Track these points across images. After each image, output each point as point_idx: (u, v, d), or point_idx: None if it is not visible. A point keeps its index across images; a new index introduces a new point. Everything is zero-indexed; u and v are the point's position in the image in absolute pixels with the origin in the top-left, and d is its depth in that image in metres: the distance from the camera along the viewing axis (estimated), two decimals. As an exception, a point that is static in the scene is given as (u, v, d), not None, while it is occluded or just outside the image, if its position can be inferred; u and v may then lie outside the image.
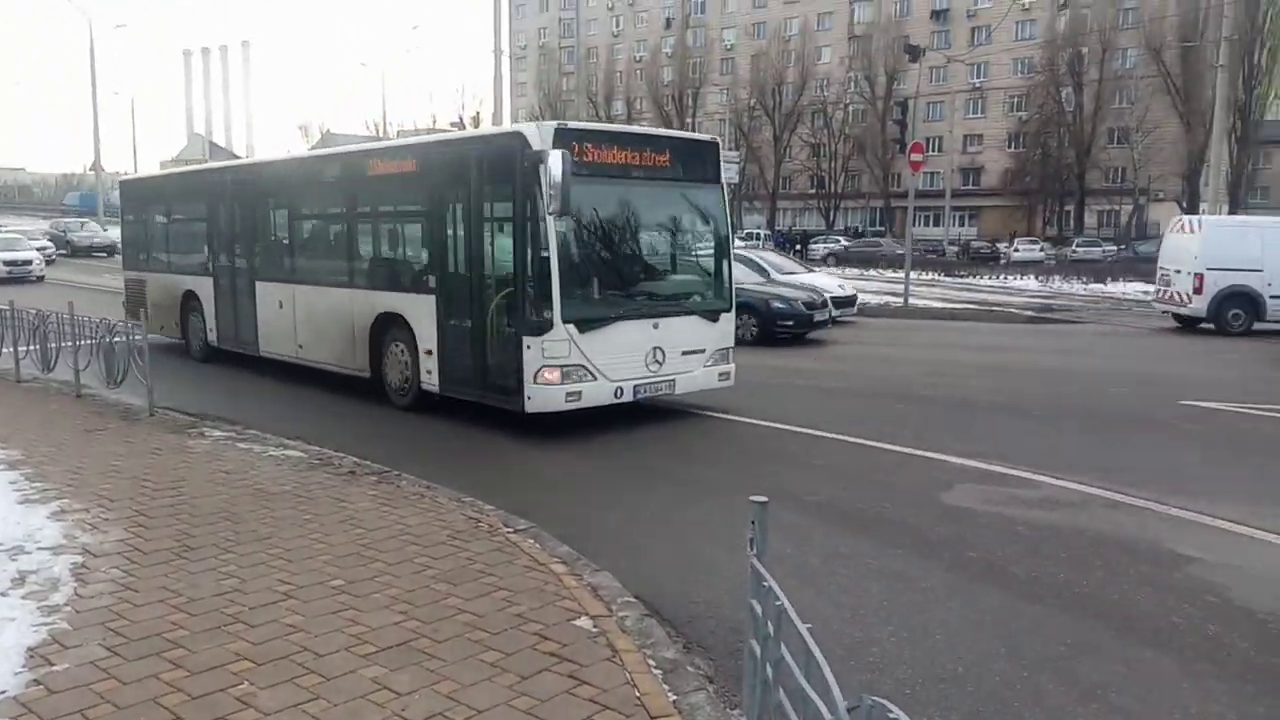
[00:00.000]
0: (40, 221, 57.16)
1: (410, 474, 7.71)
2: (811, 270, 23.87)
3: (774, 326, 16.88)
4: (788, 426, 10.01)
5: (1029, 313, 25.17)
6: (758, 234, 57.83)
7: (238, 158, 67.16)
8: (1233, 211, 42.05)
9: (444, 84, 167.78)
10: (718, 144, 10.95)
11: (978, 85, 74.60)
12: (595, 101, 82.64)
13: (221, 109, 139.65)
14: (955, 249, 58.30)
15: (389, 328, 10.96)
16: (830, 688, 2.31)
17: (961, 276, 39.09)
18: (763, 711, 3.04)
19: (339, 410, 11.28)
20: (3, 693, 4.02)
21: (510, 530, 6.31)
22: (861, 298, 22.98)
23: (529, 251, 9.04)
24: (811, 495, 7.50)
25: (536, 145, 8.81)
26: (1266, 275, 19.71)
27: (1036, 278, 36.92)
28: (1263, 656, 4.80)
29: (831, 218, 76.98)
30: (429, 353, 10.30)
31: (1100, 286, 33.57)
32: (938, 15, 77.25)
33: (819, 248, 54.63)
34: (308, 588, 5.20)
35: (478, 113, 76.82)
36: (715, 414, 10.68)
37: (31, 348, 12.61)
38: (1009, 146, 73.28)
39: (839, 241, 58.13)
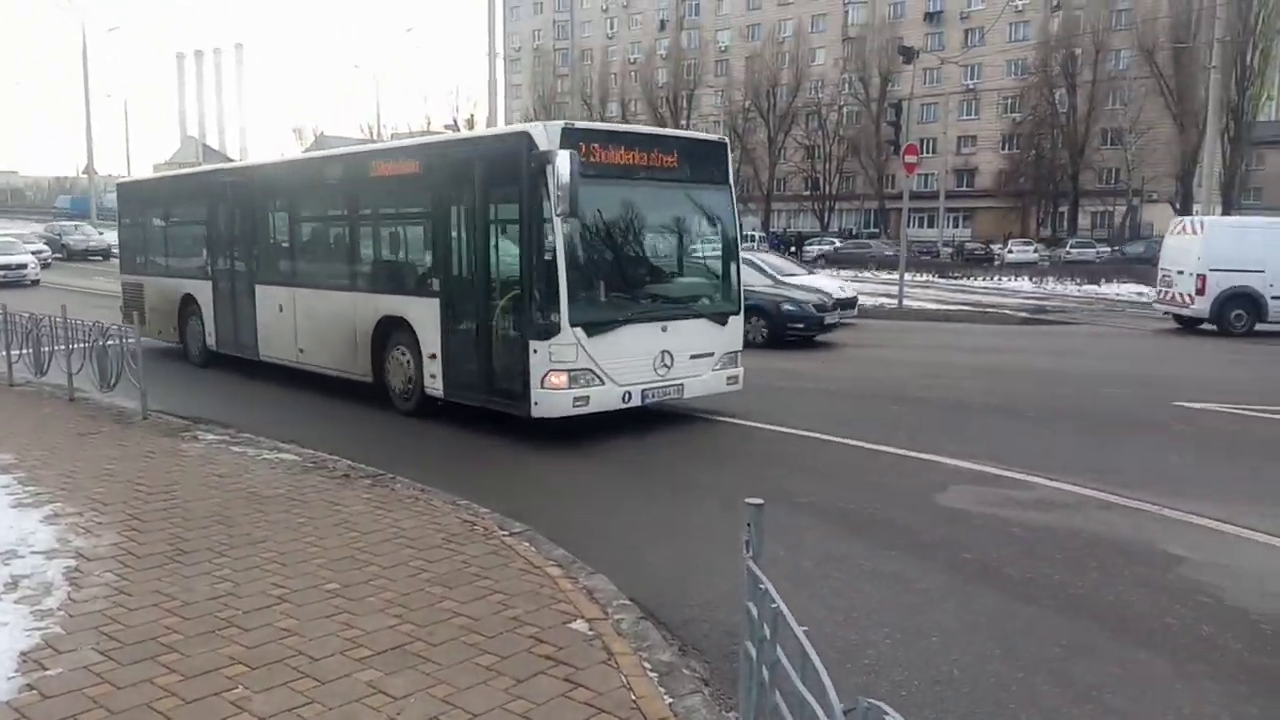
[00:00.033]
0: (33, 225, 56.95)
1: (412, 479, 7.64)
2: (812, 272, 23.83)
3: (784, 329, 16.77)
4: (797, 431, 9.92)
5: (1023, 314, 25.22)
6: (753, 236, 57.80)
7: (231, 160, 67.10)
8: (1226, 212, 42.19)
9: (438, 86, 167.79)
10: (726, 144, 10.80)
11: (971, 87, 74.76)
12: (590, 103, 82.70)
13: (215, 112, 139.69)
14: (950, 250, 58.36)
15: (392, 331, 10.82)
16: (826, 690, 2.31)
17: (955, 278, 39.16)
18: (758, 714, 3.04)
19: (340, 415, 11.17)
20: (-4, 698, 4.00)
21: (506, 533, 6.30)
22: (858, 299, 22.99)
23: (535, 253, 8.90)
24: (808, 497, 7.50)
25: (543, 145, 8.68)
26: (1268, 276, 19.80)
27: (1030, 279, 37.01)
28: (1256, 657, 4.81)
29: (826, 219, 77.03)
30: (433, 356, 10.15)
31: (1094, 288, 33.67)
32: (931, 17, 77.41)
33: (813, 249, 54.68)
34: (302, 591, 5.19)
35: (472, 115, 76.73)
36: (722, 418, 10.57)
37: (24, 351, 12.59)
38: (1003, 148, 73.43)
39: (833, 243, 58.19)
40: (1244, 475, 8.50)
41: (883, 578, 5.85)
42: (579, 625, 4.82)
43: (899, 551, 6.33)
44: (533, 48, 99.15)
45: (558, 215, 8.55)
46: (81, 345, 11.41)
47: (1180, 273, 20.79)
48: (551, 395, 8.95)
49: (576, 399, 9.03)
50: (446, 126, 72.56)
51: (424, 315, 10.28)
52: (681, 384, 9.86)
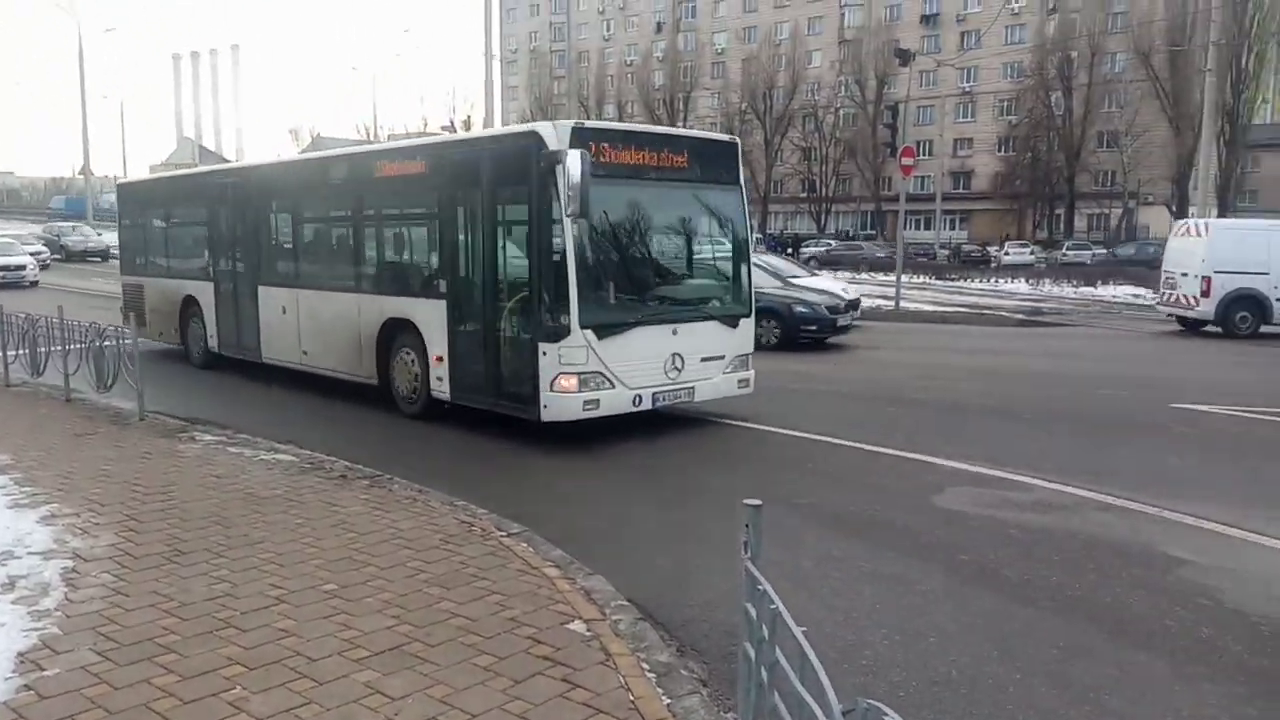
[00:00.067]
0: (30, 226, 56.81)
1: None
2: (814, 274, 23.79)
3: (797, 331, 16.67)
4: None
5: (1020, 316, 25.24)
6: (750, 237, 57.76)
7: (227, 161, 67.08)
8: (1221, 214, 42.30)
9: (435, 88, 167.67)
10: (737, 144, 10.67)
11: (968, 89, 74.95)
12: (586, 105, 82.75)
13: (211, 113, 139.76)
14: (946, 252, 58.43)
15: (397, 333, 10.70)
16: (826, 691, 2.31)
17: (952, 280, 39.20)
18: (757, 715, 3.04)
19: (345, 418, 11.04)
20: (-8, 699, 3.99)
21: (503, 534, 6.29)
22: (856, 302, 22.95)
23: (545, 254, 8.78)
24: (813, 499, 7.50)
25: (553, 145, 8.56)
26: (1273, 278, 19.88)
27: (1027, 281, 37.06)
28: (1255, 659, 4.81)
29: (823, 221, 77.13)
30: (439, 359, 10.01)
31: (1090, 290, 33.73)
32: (928, 20, 77.57)
33: (807, 251, 54.72)
34: (300, 592, 5.19)
35: (469, 116, 76.73)
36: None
37: (21, 352, 12.56)
38: (999, 150, 73.57)
39: (829, 245, 58.26)
40: (1245, 477, 8.50)
41: (881, 579, 5.85)
42: (577, 626, 4.82)
43: (898, 553, 6.33)
44: (529, 49, 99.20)
45: (568, 216, 8.42)
46: (78, 346, 11.39)
47: (1184, 275, 20.83)
48: (561, 399, 8.81)
49: (587, 402, 8.89)
50: (443, 128, 72.54)
51: (430, 317, 10.16)
52: (692, 387, 9.73)
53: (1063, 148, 66.87)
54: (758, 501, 3.24)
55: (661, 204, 9.79)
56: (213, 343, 14.38)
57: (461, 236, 9.98)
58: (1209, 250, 20.20)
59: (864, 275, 38.72)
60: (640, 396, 9.28)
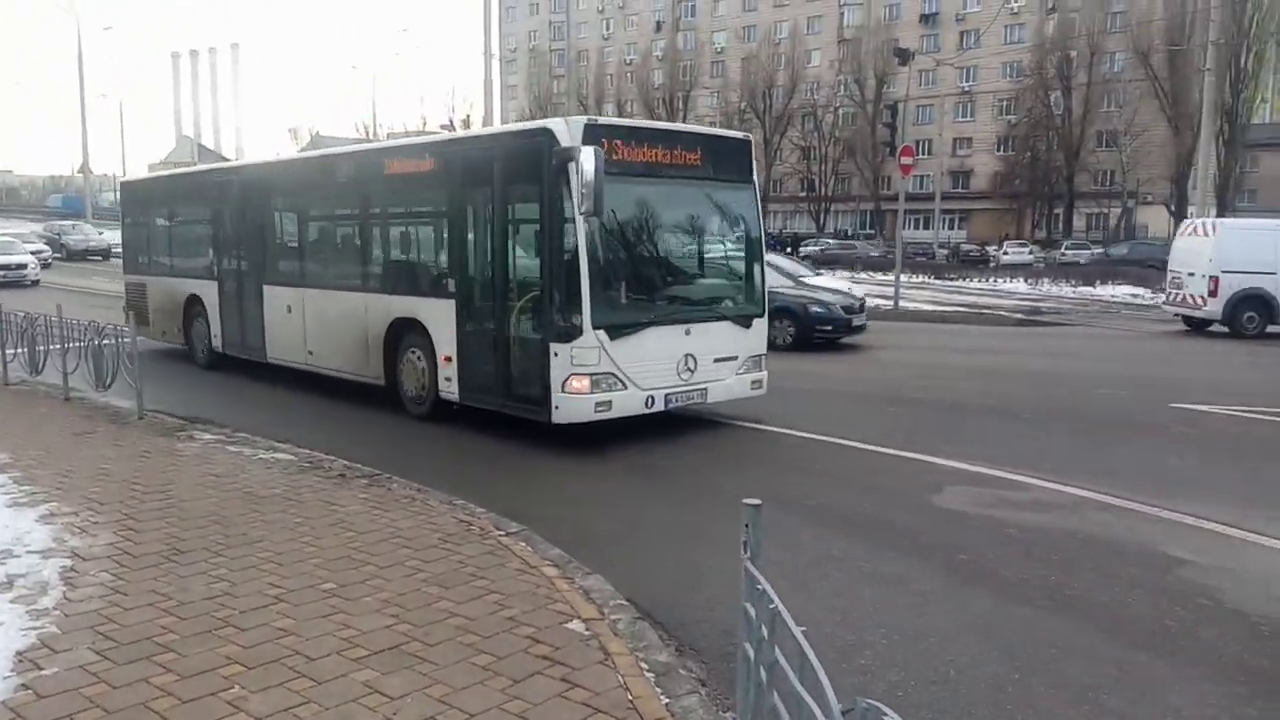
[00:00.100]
0: (29, 224, 56.72)
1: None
2: (818, 273, 23.71)
3: (812, 331, 16.58)
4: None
5: (1019, 315, 25.23)
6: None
7: (226, 160, 67.05)
8: (1220, 214, 42.30)
9: (434, 87, 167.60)
10: (750, 141, 10.55)
11: (967, 89, 74.94)
12: (585, 104, 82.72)
13: (210, 111, 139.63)
14: (945, 252, 58.44)
15: (405, 333, 10.58)
16: (825, 691, 2.31)
17: (951, 279, 39.23)
18: (756, 715, 3.04)
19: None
20: (-9, 698, 3.99)
21: (502, 533, 6.29)
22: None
23: (557, 253, 8.64)
24: (807, 500, 7.51)
25: (565, 141, 8.43)
26: None
27: (1026, 280, 37.07)
28: (1255, 659, 4.81)
29: (822, 221, 77.15)
30: (448, 359, 9.90)
31: (1089, 289, 33.73)
32: (927, 19, 77.56)
33: (805, 251, 54.71)
34: (298, 591, 5.18)
35: (468, 115, 76.75)
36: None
37: (19, 350, 12.55)
38: (998, 150, 73.58)
39: (825, 244, 58.28)
40: (1242, 477, 8.51)
41: (880, 578, 5.85)
42: (575, 625, 4.81)
43: (897, 552, 6.33)
44: (529, 48, 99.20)
45: (581, 213, 8.27)
46: (77, 344, 11.37)
47: (1191, 275, 20.83)
48: (573, 400, 8.68)
49: (599, 404, 8.75)
50: (442, 127, 72.57)
51: (439, 317, 10.03)
52: (705, 388, 9.60)
53: (1062, 147, 66.91)
54: (757, 501, 3.24)
55: (674, 202, 9.65)
56: (217, 342, 14.26)
57: (471, 235, 9.86)
58: (1216, 250, 20.21)
59: (862, 275, 38.68)
60: (653, 398, 9.14)
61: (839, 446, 9.35)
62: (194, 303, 14.77)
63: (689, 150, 9.56)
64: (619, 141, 8.87)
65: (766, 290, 10.58)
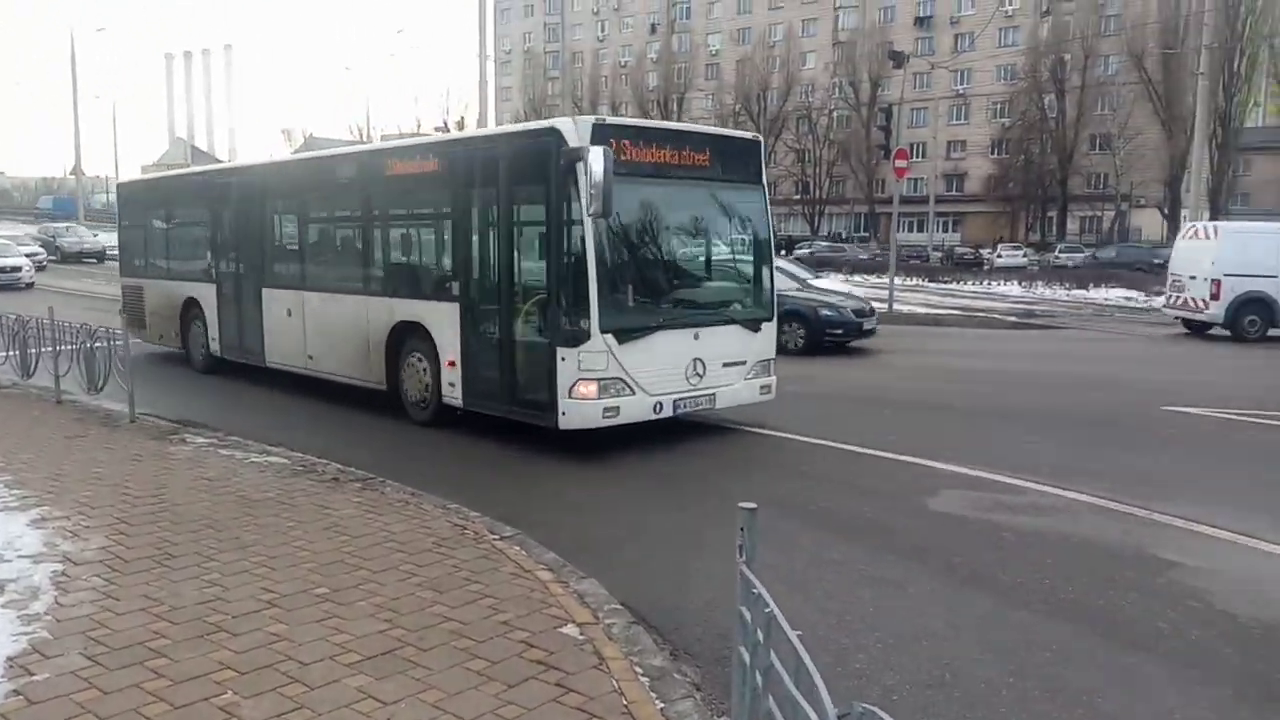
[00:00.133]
0: (20, 226, 56.57)
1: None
2: (819, 276, 23.64)
3: (822, 335, 16.49)
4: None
5: (1012, 318, 25.25)
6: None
7: (220, 162, 66.98)
8: (1214, 217, 42.42)
9: (429, 88, 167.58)
10: (760, 142, 10.38)
11: (961, 91, 75.06)
12: (580, 106, 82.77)
13: (203, 113, 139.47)
14: (939, 254, 58.55)
15: (407, 337, 10.40)
16: (821, 695, 2.30)
17: (945, 282, 39.23)
18: (751, 719, 3.03)
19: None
20: (-19, 704, 3.97)
21: (496, 537, 6.28)
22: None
23: (564, 256, 8.50)
24: (802, 503, 7.51)
25: (573, 142, 8.27)
26: None
27: (1020, 283, 37.13)
28: (1246, 661, 4.82)
29: (816, 223, 77.25)
30: (452, 364, 9.72)
31: (1083, 292, 33.78)
32: (921, 22, 77.67)
33: (797, 253, 54.70)
34: (291, 596, 5.16)
35: (462, 117, 76.86)
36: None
37: (10, 353, 12.50)
38: (992, 152, 73.71)
39: (812, 247, 58.25)
40: (1234, 480, 8.52)
41: (875, 582, 5.85)
42: (570, 630, 4.80)
43: (892, 556, 6.33)
44: (523, 50, 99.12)
45: (590, 215, 8.11)
46: (69, 347, 11.33)
47: (1193, 278, 20.80)
48: (580, 405, 8.53)
49: (606, 410, 8.59)
50: (436, 128, 72.57)
51: (443, 321, 9.88)
52: (713, 394, 9.43)
53: (1055, 150, 67.11)
54: (752, 505, 3.24)
55: (682, 203, 9.50)
56: (215, 346, 14.04)
57: (476, 237, 9.70)
58: (1219, 253, 20.21)
59: (856, 278, 38.72)
60: (661, 404, 8.98)
61: (841, 451, 9.34)
62: (192, 306, 14.58)
63: (698, 151, 9.42)
64: (627, 141, 8.72)
65: (775, 293, 10.42)
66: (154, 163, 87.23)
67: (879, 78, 70.65)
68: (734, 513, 3.26)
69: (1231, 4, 49.98)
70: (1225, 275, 20.01)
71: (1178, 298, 21.58)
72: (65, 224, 52.60)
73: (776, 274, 10.75)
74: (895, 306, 25.01)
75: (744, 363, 9.76)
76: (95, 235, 46.89)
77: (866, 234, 72.29)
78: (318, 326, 11.87)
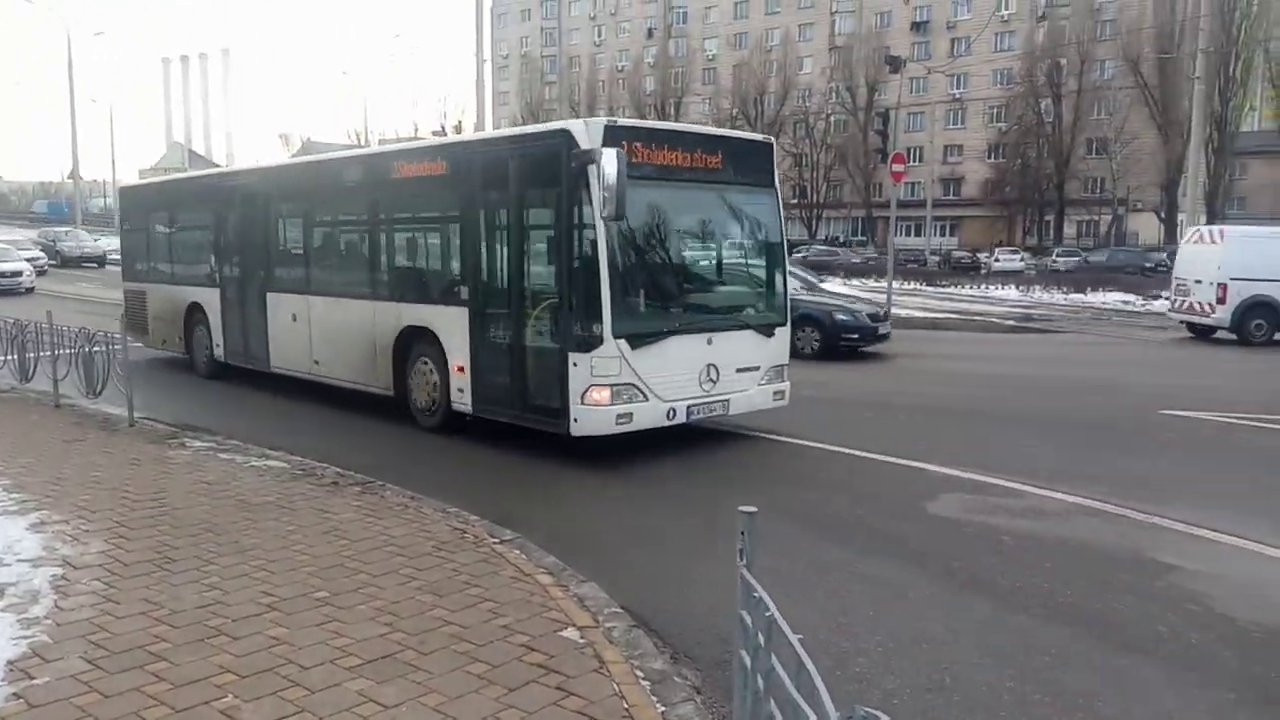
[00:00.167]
0: (17, 230, 56.44)
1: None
2: (823, 279, 23.58)
3: (838, 340, 16.44)
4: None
5: (1010, 322, 25.27)
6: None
7: (217, 166, 66.98)
8: (1210, 221, 42.50)
9: (427, 92, 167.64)
10: (772, 144, 10.23)
11: (958, 96, 75.19)
12: (577, 110, 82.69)
13: (201, 117, 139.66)
14: (936, 259, 58.62)
15: (415, 342, 10.27)
16: (823, 699, 2.31)
17: (943, 286, 39.29)
18: (752, 723, 3.04)
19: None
20: (-18, 708, 3.97)
21: (496, 541, 6.28)
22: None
23: (576, 259, 8.36)
24: (801, 508, 7.52)
25: (585, 144, 8.16)
26: None
27: (1017, 287, 37.18)
28: (1245, 664, 4.83)
29: (814, 227, 77.32)
30: (460, 369, 9.59)
31: (1080, 296, 33.82)
32: (918, 27, 77.83)
33: (795, 257, 54.72)
34: (291, 599, 5.16)
35: (460, 121, 76.99)
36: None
37: (10, 357, 12.49)
38: (989, 157, 73.81)
39: (805, 252, 58.27)
40: (1232, 484, 8.53)
41: (875, 586, 5.85)
42: (570, 633, 4.81)
43: (893, 560, 6.34)
44: (520, 54, 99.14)
45: (602, 218, 7.99)
46: (68, 351, 11.32)
47: (1198, 282, 20.74)
48: (592, 412, 8.39)
49: (619, 416, 8.43)
50: (434, 132, 72.59)
51: (451, 325, 9.73)
52: (727, 400, 9.29)
53: (1052, 154, 67.24)
54: (753, 509, 3.24)
55: (695, 206, 9.40)
56: (219, 351, 13.91)
57: (485, 240, 9.58)
58: (1225, 257, 20.16)
59: (854, 282, 38.72)
60: (674, 410, 8.83)
61: (847, 456, 9.33)
62: (195, 311, 14.43)
63: (710, 153, 9.27)
64: (639, 144, 8.59)
65: (789, 298, 10.31)
66: (151, 167, 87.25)
67: (876, 82, 70.74)
68: (733, 517, 3.27)
69: (1227, 9, 50.04)
70: (1231, 279, 19.96)
71: (1183, 301, 21.52)
72: (65, 228, 52.47)
73: (790, 278, 10.56)
74: (894, 311, 25.00)
75: (758, 368, 9.63)
76: (96, 240, 46.82)
77: (864, 238, 72.34)
78: (323, 331, 11.75)
